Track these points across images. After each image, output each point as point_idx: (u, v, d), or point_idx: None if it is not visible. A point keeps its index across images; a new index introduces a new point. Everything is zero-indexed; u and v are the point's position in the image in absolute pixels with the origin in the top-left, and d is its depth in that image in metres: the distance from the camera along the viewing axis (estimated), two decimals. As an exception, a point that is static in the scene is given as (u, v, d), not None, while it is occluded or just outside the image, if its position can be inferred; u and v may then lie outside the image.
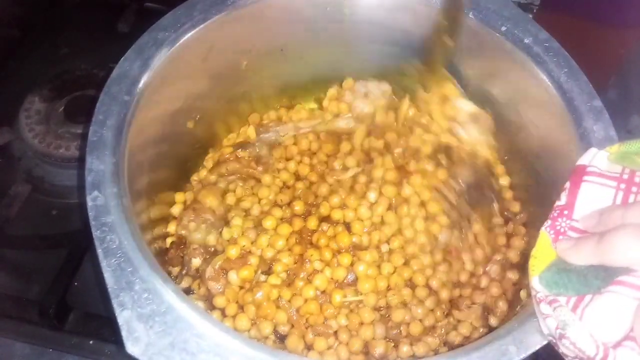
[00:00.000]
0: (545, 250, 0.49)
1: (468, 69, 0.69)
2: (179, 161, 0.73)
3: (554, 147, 0.61)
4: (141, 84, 0.59)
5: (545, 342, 0.46)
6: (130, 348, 0.44)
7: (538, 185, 0.65)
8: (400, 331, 0.64)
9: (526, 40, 0.62)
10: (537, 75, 0.61)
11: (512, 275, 0.66)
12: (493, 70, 0.67)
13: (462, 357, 0.46)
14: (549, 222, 0.51)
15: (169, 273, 0.67)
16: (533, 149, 0.65)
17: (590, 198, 0.50)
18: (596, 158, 0.52)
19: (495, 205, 0.71)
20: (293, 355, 0.47)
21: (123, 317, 0.45)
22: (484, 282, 0.66)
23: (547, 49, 0.62)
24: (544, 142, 0.63)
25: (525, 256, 0.65)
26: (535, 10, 0.79)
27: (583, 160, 0.53)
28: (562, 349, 0.44)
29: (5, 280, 0.74)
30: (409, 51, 0.71)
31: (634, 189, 0.49)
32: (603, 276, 0.45)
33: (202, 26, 0.63)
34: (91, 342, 0.67)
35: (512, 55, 0.63)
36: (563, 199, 0.51)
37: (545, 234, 0.50)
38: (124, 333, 0.45)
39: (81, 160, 0.54)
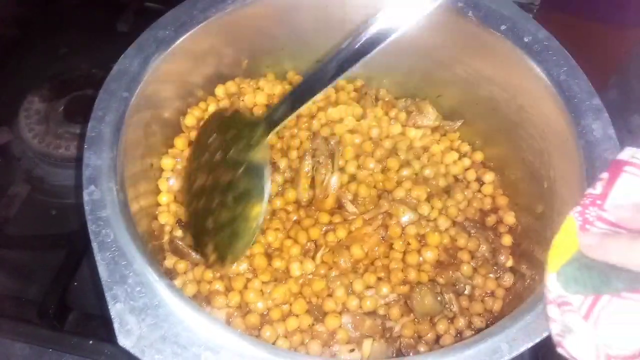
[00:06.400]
0: (568, 238, 0.47)
1: (467, 68, 0.69)
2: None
3: (553, 145, 0.61)
4: (140, 82, 0.59)
5: (536, 341, 0.46)
6: (122, 340, 0.44)
7: (535, 184, 0.64)
8: None
9: (526, 39, 0.62)
10: (537, 74, 0.61)
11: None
12: (492, 68, 0.67)
13: (454, 355, 0.46)
14: (578, 209, 0.48)
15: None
16: (532, 146, 0.65)
17: (627, 190, 0.47)
18: (638, 154, 0.50)
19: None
20: (282, 349, 0.47)
21: (116, 309, 0.46)
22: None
23: (547, 48, 0.61)
24: (543, 140, 0.63)
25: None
26: (535, 10, 0.79)
27: (622, 155, 0.50)
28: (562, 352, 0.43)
29: (5, 281, 0.75)
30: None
31: None
32: (626, 278, 0.42)
33: (202, 25, 0.64)
34: (90, 342, 0.67)
35: (511, 53, 0.63)
36: (598, 188, 0.49)
37: (572, 219, 0.48)
38: (116, 325, 0.45)
39: (80, 160, 0.54)
